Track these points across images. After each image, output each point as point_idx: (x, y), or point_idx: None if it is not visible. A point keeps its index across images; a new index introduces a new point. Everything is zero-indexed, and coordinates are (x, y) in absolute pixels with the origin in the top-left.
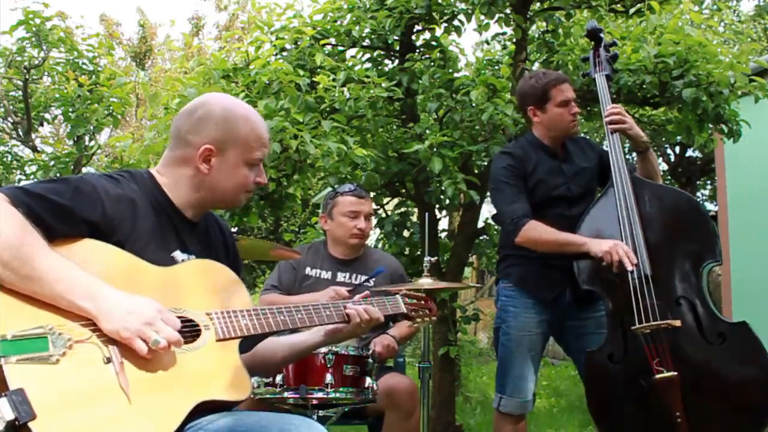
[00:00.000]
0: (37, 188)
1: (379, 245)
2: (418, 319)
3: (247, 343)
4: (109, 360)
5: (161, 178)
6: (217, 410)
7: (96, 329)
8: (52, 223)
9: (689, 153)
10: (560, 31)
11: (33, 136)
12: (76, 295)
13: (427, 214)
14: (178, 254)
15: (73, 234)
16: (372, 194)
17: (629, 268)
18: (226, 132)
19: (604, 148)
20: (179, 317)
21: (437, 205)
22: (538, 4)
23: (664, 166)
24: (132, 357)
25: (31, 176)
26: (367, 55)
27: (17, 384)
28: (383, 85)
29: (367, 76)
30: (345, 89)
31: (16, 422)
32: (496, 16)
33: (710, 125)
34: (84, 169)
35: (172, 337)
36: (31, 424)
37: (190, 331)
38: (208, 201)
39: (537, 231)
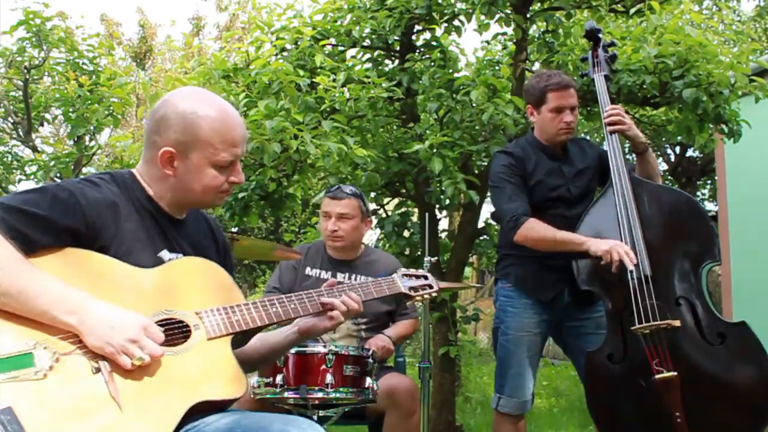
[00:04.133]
0: (14, 201)
1: (380, 245)
2: (418, 297)
3: (242, 338)
4: (98, 370)
5: (141, 178)
6: (215, 409)
7: (81, 341)
8: (32, 236)
9: (689, 153)
10: (560, 31)
11: (33, 136)
12: (58, 309)
13: (427, 214)
14: (165, 254)
15: (55, 244)
16: (372, 194)
17: (630, 267)
18: (186, 134)
19: (604, 148)
20: (168, 319)
21: (437, 205)
22: (539, 4)
23: (664, 166)
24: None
25: (32, 176)
26: (367, 55)
27: (5, 403)
28: (383, 85)
29: (367, 77)
30: (345, 89)
31: None
32: (496, 16)
33: (710, 125)
34: (84, 170)
35: (156, 352)
36: None
37: (180, 332)
38: (182, 201)
39: (536, 229)
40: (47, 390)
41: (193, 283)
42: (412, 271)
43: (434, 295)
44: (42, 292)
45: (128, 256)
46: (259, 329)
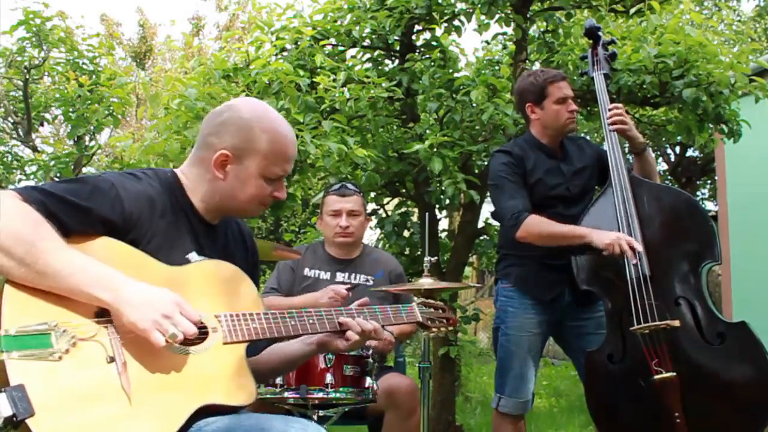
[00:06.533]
0: (55, 188)
1: (380, 245)
2: (434, 329)
3: (256, 347)
4: (112, 359)
5: (184, 179)
6: (220, 413)
7: (104, 326)
8: (68, 223)
9: (689, 153)
10: (560, 31)
11: (33, 136)
12: (94, 286)
13: (427, 214)
14: (193, 255)
15: (89, 232)
16: (372, 194)
17: (633, 261)
18: (246, 141)
19: (603, 147)
20: None
21: (437, 205)
22: (539, 4)
23: (664, 166)
24: (136, 357)
25: (31, 176)
26: (368, 55)
27: (18, 380)
28: (383, 85)
29: (367, 76)
30: (345, 89)
31: (14, 418)
32: (496, 16)
33: (710, 125)
34: (84, 170)
35: (189, 330)
36: (28, 421)
37: (198, 333)
38: (223, 207)
39: (538, 224)
40: (60, 372)
41: (213, 286)
42: (432, 301)
43: (451, 328)
44: (77, 270)
45: (158, 252)
46: (274, 340)
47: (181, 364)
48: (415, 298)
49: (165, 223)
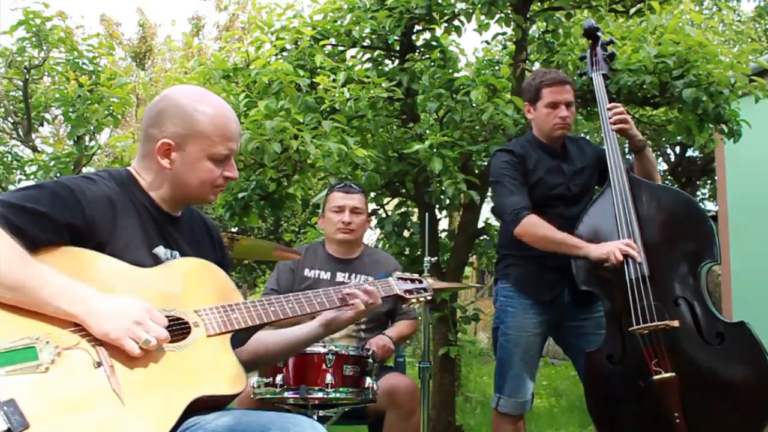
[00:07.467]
0: (13, 198)
1: (380, 245)
2: (413, 300)
3: (240, 337)
4: (99, 364)
5: (137, 175)
6: (215, 406)
7: (85, 334)
8: (33, 233)
9: (689, 153)
10: (560, 31)
11: (33, 136)
12: (63, 300)
13: (427, 214)
14: (160, 250)
15: (56, 241)
16: (372, 194)
17: (638, 260)
18: (185, 126)
19: (603, 147)
20: (168, 317)
21: (437, 205)
22: (539, 4)
23: (664, 166)
24: (123, 359)
25: (31, 176)
26: (367, 55)
27: (8, 395)
28: (383, 85)
29: (367, 77)
30: (345, 89)
31: None
32: (497, 16)
33: (710, 125)
34: (84, 170)
35: (162, 334)
36: None
37: (180, 329)
38: (178, 196)
39: (536, 225)
40: (49, 383)
41: (192, 284)
42: (407, 274)
43: (429, 298)
44: (46, 284)
45: (125, 252)
46: (257, 328)
47: (169, 361)
48: (393, 273)
49: (129, 222)
